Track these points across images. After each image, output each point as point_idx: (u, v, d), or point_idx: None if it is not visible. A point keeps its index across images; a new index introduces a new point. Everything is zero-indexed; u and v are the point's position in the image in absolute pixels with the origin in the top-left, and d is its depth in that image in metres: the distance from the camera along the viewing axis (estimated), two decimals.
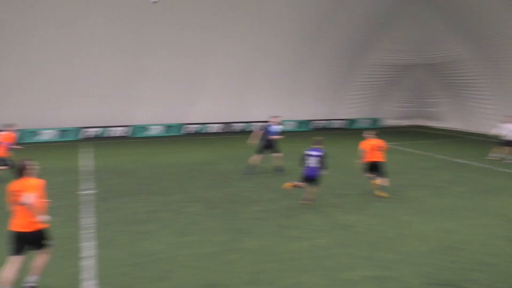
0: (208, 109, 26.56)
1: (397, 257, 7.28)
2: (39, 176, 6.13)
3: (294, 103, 28.47)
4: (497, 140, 17.16)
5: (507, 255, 7.39)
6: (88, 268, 6.87)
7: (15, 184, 5.85)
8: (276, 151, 14.41)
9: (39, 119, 22.97)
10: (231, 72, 26.01)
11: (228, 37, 24.49)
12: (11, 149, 13.30)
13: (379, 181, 11.22)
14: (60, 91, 22.70)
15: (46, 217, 5.87)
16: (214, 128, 27.04)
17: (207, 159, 17.36)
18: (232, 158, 17.60)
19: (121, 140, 23.65)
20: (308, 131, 28.40)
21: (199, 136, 25.32)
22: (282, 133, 14.88)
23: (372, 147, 11.25)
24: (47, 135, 23.30)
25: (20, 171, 5.91)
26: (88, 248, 7.67)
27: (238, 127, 27.52)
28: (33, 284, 5.99)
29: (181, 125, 26.12)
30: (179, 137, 25.13)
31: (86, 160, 17.08)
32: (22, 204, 5.66)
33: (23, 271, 6.02)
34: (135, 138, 24.34)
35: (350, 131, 27.87)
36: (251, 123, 27.64)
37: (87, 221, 9.24)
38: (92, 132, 24.22)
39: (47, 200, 6.15)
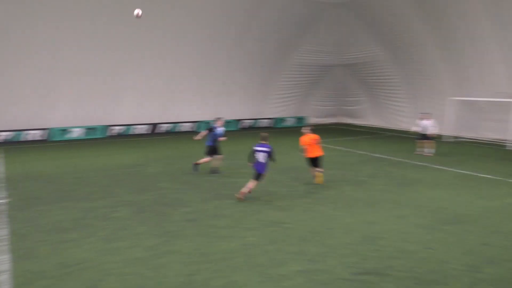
0: (133, 110, 25.72)
1: (325, 250, 7.60)
2: None
3: (220, 103, 28.52)
4: (416, 136, 18.63)
5: (422, 242, 8.02)
6: (1, 284, 6.35)
7: None
8: (218, 153, 14.40)
9: None
10: (156, 71, 25.41)
11: (152, 34, 23.88)
12: None
13: (318, 174, 12.65)
14: None
15: None
16: (140, 129, 26.23)
17: (134, 161, 16.82)
18: (160, 160, 17.22)
19: (38, 144, 22.12)
20: (235, 131, 28.60)
21: (125, 138, 24.44)
22: (224, 134, 14.85)
23: (310, 141, 12.55)
24: None
25: None
26: (1, 262, 7.10)
27: (165, 128, 26.95)
28: None
29: (104, 127, 25.01)
30: (103, 139, 24.06)
31: None
32: None
33: None
34: (53, 142, 22.88)
35: (277, 130, 28.53)
36: (178, 124, 27.25)
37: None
38: (2, 136, 22.28)
39: None
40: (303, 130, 13.15)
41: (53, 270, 6.82)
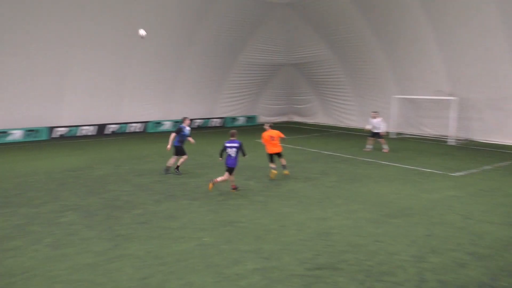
0: (79, 110, 24.67)
1: (279, 247, 7.69)
2: None
3: (170, 102, 28.09)
4: (368, 133, 19.41)
5: (372, 236, 8.31)
6: None
7: None
8: (185, 153, 14.22)
9: None
10: (103, 70, 24.55)
11: (98, 31, 23.06)
12: None
13: (273, 171, 13.25)
14: None
15: None
16: (87, 130, 25.25)
17: (80, 164, 16.18)
18: (108, 161, 16.69)
19: None
20: None
21: (70, 140, 23.46)
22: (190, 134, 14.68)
23: (271, 137, 13.27)
24: None
25: None
26: None
27: (113, 129, 26.13)
28: None
29: (47, 129, 23.83)
30: (46, 141, 22.94)
31: None
32: None
33: None
34: None
35: (227, 129, 28.46)
36: (127, 124, 26.52)
37: None
38: None
39: None
40: (265, 126, 13.81)
41: None
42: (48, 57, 22.32)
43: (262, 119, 33.02)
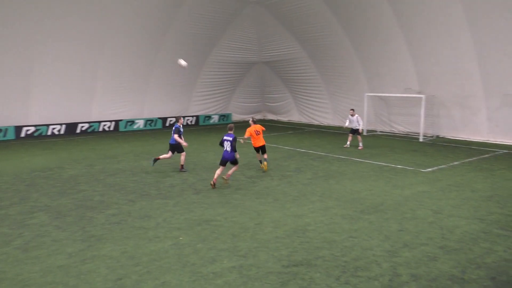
0: (48, 109, 24.00)
1: (256, 245, 7.70)
2: None
3: (143, 101, 27.70)
4: (348, 131, 19.83)
5: (346, 232, 8.43)
6: None
7: None
8: (183, 150, 14.35)
9: None
10: (73, 68, 23.97)
11: (68, 27, 22.48)
12: None
13: (264, 162, 14.19)
14: None
15: None
16: (57, 129, 24.60)
17: (51, 164, 15.76)
18: (79, 161, 16.33)
19: None
20: (160, 129, 27.98)
21: (39, 139, 22.82)
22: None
23: (256, 131, 14.02)
24: None
25: None
26: None
27: (84, 128, 25.54)
28: None
29: (14, 128, 23.08)
30: (13, 141, 22.24)
31: None
32: None
33: None
34: None
35: (201, 128, 28.35)
36: (99, 123, 26.00)
37: None
38: None
39: None
40: (250, 121, 14.65)
41: None
42: (12, 54, 21.65)
43: (236, 117, 32.98)
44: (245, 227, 8.68)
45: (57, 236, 8.19)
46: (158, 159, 14.28)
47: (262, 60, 31.72)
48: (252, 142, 14.28)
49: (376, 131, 25.14)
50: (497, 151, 18.32)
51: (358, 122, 18.99)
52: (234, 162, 12.21)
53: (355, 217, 9.36)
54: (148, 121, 28.10)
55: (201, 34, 27.58)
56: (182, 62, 15.42)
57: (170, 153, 14.30)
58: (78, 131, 25.24)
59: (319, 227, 8.67)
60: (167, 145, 14.54)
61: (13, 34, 21.16)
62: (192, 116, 30.34)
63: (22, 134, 23.34)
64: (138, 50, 25.83)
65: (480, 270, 6.68)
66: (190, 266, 6.85)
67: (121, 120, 26.83)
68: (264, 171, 14.10)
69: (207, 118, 31.06)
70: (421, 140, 21.73)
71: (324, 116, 29.76)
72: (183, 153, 14.33)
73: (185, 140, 14.39)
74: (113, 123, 26.56)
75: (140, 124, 27.62)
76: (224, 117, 32.00)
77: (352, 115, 19.07)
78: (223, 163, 12.11)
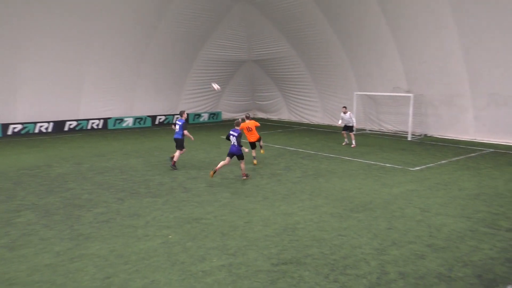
0: (36, 106, 23.73)
1: (245, 244, 7.71)
2: None
3: (132, 98, 27.52)
4: (341, 128, 20.02)
5: (336, 230, 8.47)
6: None
7: None
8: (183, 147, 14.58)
9: None
10: (62, 65, 23.70)
11: (57, 24, 22.22)
12: None
13: (262, 150, 15.50)
14: None
15: None
16: (44, 127, 24.32)
17: (38, 162, 15.59)
18: (67, 159, 16.17)
19: None
20: (149, 127, 27.84)
21: (27, 137, 22.54)
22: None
23: (247, 128, 14.60)
24: None
25: None
26: None
27: (72, 125, 25.28)
28: None
29: (1, 126, 22.74)
30: None
31: None
32: None
33: None
34: None
35: (191, 126, 28.24)
36: (87, 121, 25.76)
37: None
38: None
39: None
40: (244, 117, 15.47)
41: None
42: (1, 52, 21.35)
43: (226, 115, 32.92)
44: (234, 226, 8.68)
45: (45, 235, 8.11)
46: (174, 162, 14.28)
47: (251, 58, 31.70)
48: (247, 137, 15.07)
49: (365, 129, 25.28)
50: (483, 149, 18.55)
51: (351, 119, 19.13)
52: (240, 157, 12.56)
53: (344, 215, 9.41)
54: (137, 119, 27.92)
55: (190, 32, 27.48)
56: (215, 86, 16.00)
57: (183, 149, 14.48)
58: (66, 129, 24.99)
59: (308, 226, 8.70)
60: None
61: (6, 30, 20.90)
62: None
63: (9, 132, 23.05)
64: (127, 47, 25.65)
65: (466, 268, 6.76)
66: (179, 264, 6.83)
67: (110, 118, 26.63)
68: (254, 164, 14.83)
69: (197, 116, 30.96)
70: (409, 139, 21.90)
71: (314, 114, 29.84)
72: (183, 150, 14.45)
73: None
74: (102, 121, 26.36)
75: (129, 122, 27.45)
76: (214, 115, 31.94)
77: (345, 113, 19.19)
78: (230, 155, 12.56)
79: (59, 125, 24.74)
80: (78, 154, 17.31)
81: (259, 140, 15.21)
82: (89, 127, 25.84)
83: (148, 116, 28.44)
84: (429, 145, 19.97)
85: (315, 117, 29.71)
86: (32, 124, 23.84)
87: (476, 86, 20.51)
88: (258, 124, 15.38)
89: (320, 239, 7.96)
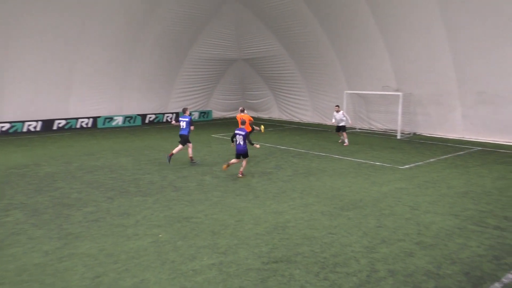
0: (23, 105, 23.46)
1: (236, 242, 7.71)
2: None
3: (121, 97, 27.36)
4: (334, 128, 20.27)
5: (326, 228, 8.51)
6: None
7: None
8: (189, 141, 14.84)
9: None
10: (50, 63, 23.47)
11: (45, 22, 21.98)
12: None
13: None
14: None
15: None
16: (33, 126, 24.06)
17: (26, 161, 15.43)
18: (56, 158, 16.03)
19: None
20: (139, 126, 27.69)
21: (14, 136, 22.29)
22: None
23: (242, 119, 14.68)
24: None
25: None
26: None
27: (61, 124, 25.04)
28: None
29: None
30: None
31: None
32: None
33: None
34: None
35: None
36: (76, 120, 25.54)
37: None
38: None
39: None
40: (239, 110, 16.43)
41: None
42: None
43: (216, 114, 32.87)
44: (225, 224, 8.68)
45: (33, 234, 8.03)
46: (191, 157, 14.74)
47: (242, 57, 31.68)
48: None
49: (355, 128, 25.41)
50: (471, 148, 18.76)
51: (344, 117, 19.25)
52: (245, 155, 12.81)
53: (334, 213, 9.46)
54: (127, 118, 27.76)
55: (180, 30, 27.40)
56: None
57: (190, 145, 14.73)
58: (55, 127, 24.75)
59: (299, 224, 8.73)
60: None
61: None
62: (172, 113, 30.10)
63: None
64: (117, 45, 25.48)
65: (454, 265, 6.83)
66: (169, 263, 6.81)
67: (99, 116, 26.43)
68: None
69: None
70: (398, 137, 22.07)
71: (304, 113, 29.93)
72: (182, 146, 14.70)
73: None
74: (91, 119, 26.16)
75: (119, 120, 27.27)
76: (204, 114, 31.87)
77: (337, 111, 19.30)
78: (237, 156, 12.83)
79: (47, 124, 24.51)
80: (67, 153, 17.16)
81: (251, 132, 15.96)
82: (78, 126, 25.63)
83: (138, 114, 28.29)
84: (418, 144, 20.14)
85: (306, 116, 29.80)
86: (21, 123, 23.59)
87: (464, 85, 20.73)
88: (251, 118, 16.08)
89: (311, 237, 8.00)
